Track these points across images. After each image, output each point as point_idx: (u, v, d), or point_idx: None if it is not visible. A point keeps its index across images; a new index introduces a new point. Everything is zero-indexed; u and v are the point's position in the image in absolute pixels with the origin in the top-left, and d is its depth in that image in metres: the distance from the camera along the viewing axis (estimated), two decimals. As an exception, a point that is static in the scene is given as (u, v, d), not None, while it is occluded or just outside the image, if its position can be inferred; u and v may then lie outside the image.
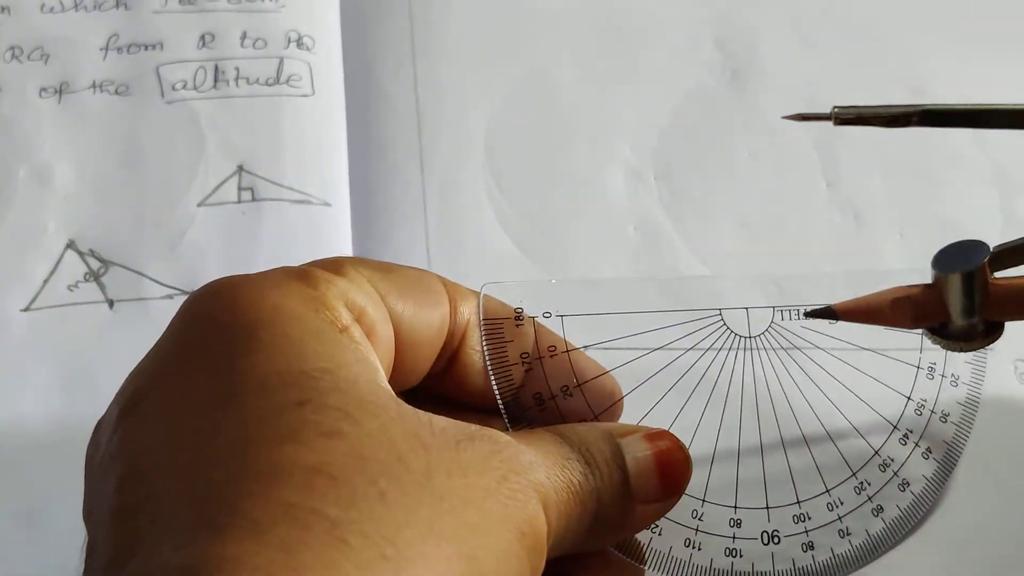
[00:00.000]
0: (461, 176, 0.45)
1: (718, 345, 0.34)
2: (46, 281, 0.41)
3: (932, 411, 0.35)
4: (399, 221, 0.43)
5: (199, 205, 0.43)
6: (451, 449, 0.24)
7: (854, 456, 0.34)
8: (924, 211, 0.44)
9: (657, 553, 0.32)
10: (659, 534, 0.32)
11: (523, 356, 0.32)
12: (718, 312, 0.34)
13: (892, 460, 0.34)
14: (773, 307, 0.34)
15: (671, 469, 0.29)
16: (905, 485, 0.34)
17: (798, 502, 0.33)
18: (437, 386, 0.31)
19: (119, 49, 0.47)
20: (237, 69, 0.47)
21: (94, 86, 0.46)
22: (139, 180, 0.44)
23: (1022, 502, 0.37)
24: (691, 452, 0.30)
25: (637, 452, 0.29)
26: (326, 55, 0.48)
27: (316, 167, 0.44)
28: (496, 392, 0.31)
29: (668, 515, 0.31)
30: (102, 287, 0.41)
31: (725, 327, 0.34)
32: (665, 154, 0.46)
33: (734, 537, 0.32)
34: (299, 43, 0.47)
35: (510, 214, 0.44)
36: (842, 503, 0.33)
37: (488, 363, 0.31)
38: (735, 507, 0.33)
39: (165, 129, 0.45)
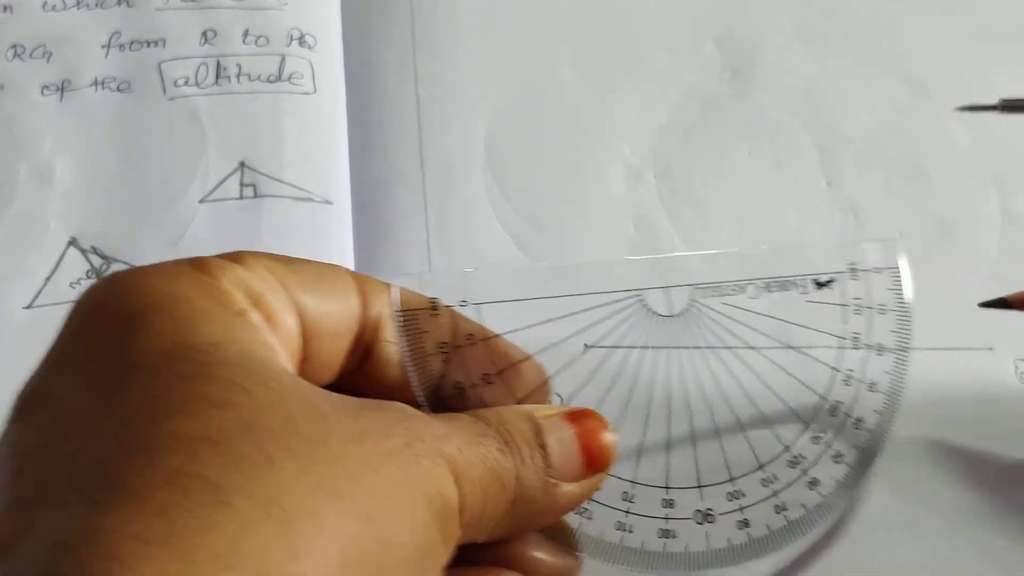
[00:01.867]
0: (462, 175, 0.45)
1: (641, 326, 0.34)
2: (48, 279, 0.41)
3: (860, 381, 0.34)
4: (399, 220, 0.43)
5: (201, 201, 0.43)
6: (350, 416, 0.24)
7: (786, 431, 0.34)
8: (924, 211, 0.45)
9: (589, 537, 0.31)
10: (589, 518, 0.31)
11: (440, 346, 0.31)
12: (638, 293, 0.34)
13: (824, 432, 0.34)
14: (693, 285, 0.34)
15: (594, 447, 0.29)
16: (839, 457, 0.34)
17: (731, 479, 0.33)
18: (356, 383, 0.31)
19: (121, 46, 0.47)
20: (239, 66, 0.47)
21: (96, 83, 0.46)
22: (141, 177, 0.44)
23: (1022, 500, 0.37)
24: (619, 434, 0.30)
25: (559, 431, 0.28)
26: (327, 54, 0.48)
27: (317, 165, 0.44)
28: (415, 383, 0.31)
29: (598, 498, 0.31)
30: (104, 284, 0.41)
31: (646, 308, 0.34)
32: (665, 153, 0.46)
33: (667, 518, 0.32)
34: (301, 41, 0.47)
35: (510, 213, 0.44)
36: (777, 478, 0.33)
37: (405, 354, 0.31)
38: (667, 488, 0.33)
39: (167, 125, 0.45)
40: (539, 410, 0.29)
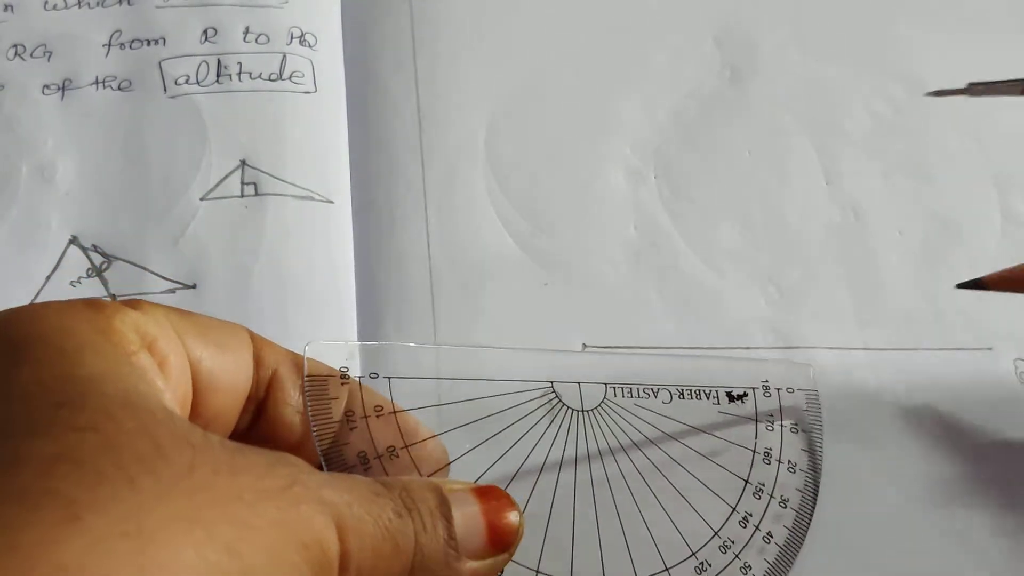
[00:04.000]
0: (462, 174, 0.45)
1: (551, 416, 0.34)
2: (49, 277, 0.41)
3: (771, 495, 0.34)
4: (400, 219, 0.43)
5: (202, 199, 0.43)
6: (225, 452, 0.24)
7: (692, 535, 0.34)
8: (923, 210, 0.45)
9: None
10: None
11: (348, 414, 0.31)
12: (549, 384, 0.34)
13: (733, 543, 0.34)
14: (606, 384, 0.34)
15: (500, 525, 0.28)
16: (747, 569, 0.34)
17: (635, 574, 0.33)
18: (249, 443, 0.30)
19: (122, 45, 0.47)
20: (240, 64, 0.47)
21: (97, 82, 0.46)
22: (142, 175, 0.44)
23: None
24: (525, 519, 0.30)
25: (465, 505, 0.28)
26: (328, 53, 0.48)
27: (318, 164, 0.44)
28: (318, 448, 0.30)
29: None
30: (104, 282, 0.41)
31: (557, 399, 0.34)
32: (665, 154, 0.46)
33: None
34: (302, 40, 0.47)
35: (511, 212, 0.44)
36: None
37: (311, 419, 0.30)
38: None
39: (168, 124, 0.45)
40: (446, 483, 0.29)
